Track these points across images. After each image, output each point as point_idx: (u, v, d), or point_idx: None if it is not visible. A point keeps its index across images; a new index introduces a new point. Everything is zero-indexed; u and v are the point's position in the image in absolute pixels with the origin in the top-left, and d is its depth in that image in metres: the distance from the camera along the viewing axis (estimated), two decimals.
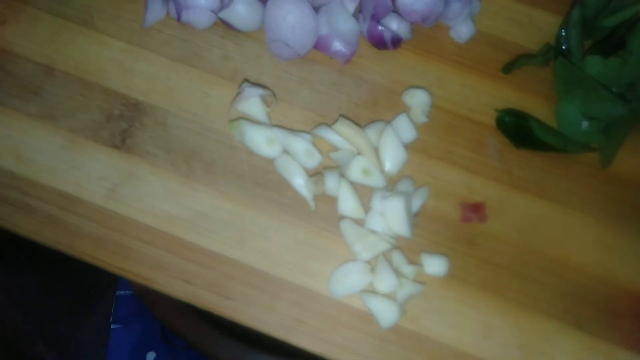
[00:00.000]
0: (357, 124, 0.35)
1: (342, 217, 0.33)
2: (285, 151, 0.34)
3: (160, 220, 0.30)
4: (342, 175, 0.34)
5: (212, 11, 0.33)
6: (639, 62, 0.36)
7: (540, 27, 0.41)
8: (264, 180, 0.33)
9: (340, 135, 0.34)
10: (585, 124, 0.36)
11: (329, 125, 0.35)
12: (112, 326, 0.44)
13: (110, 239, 0.29)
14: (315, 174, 0.34)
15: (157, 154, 0.31)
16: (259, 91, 0.33)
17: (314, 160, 0.34)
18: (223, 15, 0.34)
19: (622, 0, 0.38)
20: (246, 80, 0.34)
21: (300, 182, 0.33)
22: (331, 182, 0.33)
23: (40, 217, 0.29)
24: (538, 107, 0.38)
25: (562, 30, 0.38)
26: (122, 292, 0.45)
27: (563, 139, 0.36)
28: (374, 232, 0.33)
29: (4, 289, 0.44)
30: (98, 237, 0.29)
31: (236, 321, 0.29)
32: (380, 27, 0.37)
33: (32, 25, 0.31)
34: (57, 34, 0.31)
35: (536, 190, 0.36)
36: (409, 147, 0.36)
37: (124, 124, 0.31)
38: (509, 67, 0.39)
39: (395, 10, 0.37)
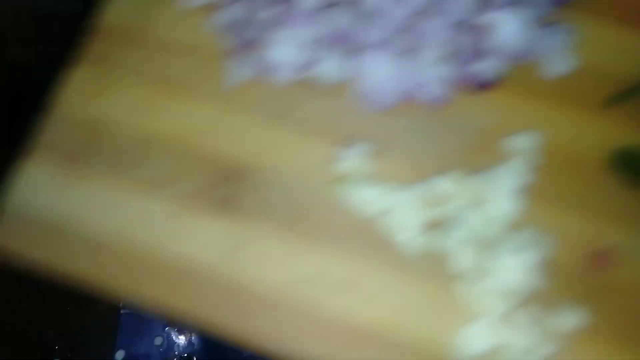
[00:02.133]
0: (463, 174, 0.33)
1: (457, 275, 0.31)
2: (391, 208, 0.31)
3: (274, 286, 0.28)
4: (453, 230, 0.31)
5: (298, 68, 0.31)
6: None
7: None
8: (371, 240, 0.31)
9: (447, 188, 0.32)
10: None
11: (433, 176, 0.33)
12: (122, 311, 0.45)
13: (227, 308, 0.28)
14: (425, 230, 0.31)
15: (259, 217, 0.29)
16: (358, 148, 0.32)
17: (421, 215, 0.31)
18: (310, 72, 0.32)
19: None
20: (342, 136, 0.33)
21: (409, 239, 0.31)
22: (442, 238, 0.31)
23: (160, 288, 0.27)
24: None
25: None
26: None
27: None
28: (493, 289, 0.30)
29: (16, 278, 0.45)
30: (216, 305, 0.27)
31: None
32: (471, 70, 0.35)
33: (126, 96, 0.29)
34: (150, 105, 0.29)
35: None
36: (518, 195, 0.33)
37: (224, 190, 0.28)
38: (614, 101, 0.37)
39: (488, 50, 0.36)
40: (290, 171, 0.30)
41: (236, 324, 0.27)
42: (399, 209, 0.31)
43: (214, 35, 0.31)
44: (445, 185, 0.32)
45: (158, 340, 0.45)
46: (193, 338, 0.46)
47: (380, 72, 0.32)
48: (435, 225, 0.31)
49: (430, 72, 0.34)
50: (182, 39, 0.31)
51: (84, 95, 0.28)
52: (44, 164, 0.26)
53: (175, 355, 0.45)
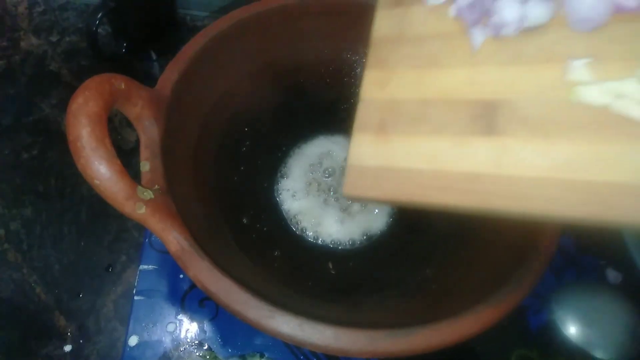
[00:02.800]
0: None
1: None
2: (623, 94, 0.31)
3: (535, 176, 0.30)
4: None
5: (519, 21, 0.35)
6: None
7: None
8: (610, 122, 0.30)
9: None
10: None
11: None
12: (135, 298, 0.46)
13: None
14: None
15: (513, 132, 0.32)
16: (582, 61, 0.32)
17: None
18: (525, 23, 0.35)
19: None
20: (566, 56, 0.33)
21: None
22: None
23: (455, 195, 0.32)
24: None
25: None
26: (145, 267, 0.48)
27: None
28: None
29: (28, 263, 0.49)
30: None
31: None
32: None
33: (402, 80, 0.37)
34: (421, 80, 0.36)
35: None
36: None
37: (485, 120, 0.33)
38: None
39: None
40: (532, 92, 0.34)
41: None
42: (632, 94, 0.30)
43: (455, 19, 0.38)
44: None
45: (171, 327, 0.45)
46: (205, 325, 0.46)
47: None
48: None
49: None
50: (432, 29, 0.38)
51: (376, 89, 0.38)
52: (363, 136, 0.36)
53: (187, 342, 0.45)
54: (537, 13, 0.37)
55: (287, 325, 0.30)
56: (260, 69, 0.48)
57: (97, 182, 0.29)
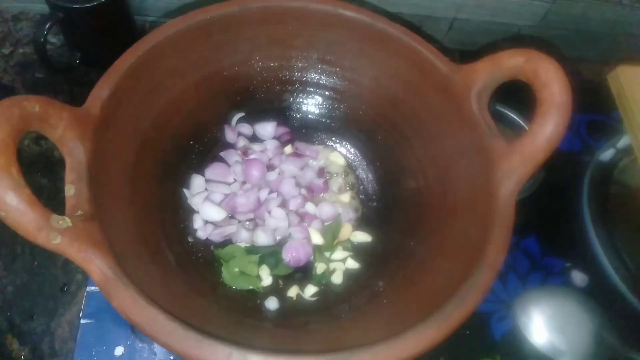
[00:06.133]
0: None
1: None
2: None
3: None
4: None
5: None
6: None
7: None
8: None
9: None
10: None
11: None
12: (82, 321, 0.45)
13: None
14: None
15: None
16: None
17: None
18: None
19: None
20: None
21: None
22: None
23: None
24: None
25: None
26: (93, 288, 0.46)
27: None
28: None
29: None
30: None
31: None
32: None
33: None
34: None
35: None
36: None
37: None
38: None
39: None
40: None
41: None
42: None
43: None
44: None
45: (119, 351, 0.44)
46: (155, 347, 0.44)
47: None
48: None
49: None
50: None
51: None
52: None
53: None
54: None
55: (216, 355, 0.29)
56: (206, 79, 0.46)
57: (2, 213, 0.27)
